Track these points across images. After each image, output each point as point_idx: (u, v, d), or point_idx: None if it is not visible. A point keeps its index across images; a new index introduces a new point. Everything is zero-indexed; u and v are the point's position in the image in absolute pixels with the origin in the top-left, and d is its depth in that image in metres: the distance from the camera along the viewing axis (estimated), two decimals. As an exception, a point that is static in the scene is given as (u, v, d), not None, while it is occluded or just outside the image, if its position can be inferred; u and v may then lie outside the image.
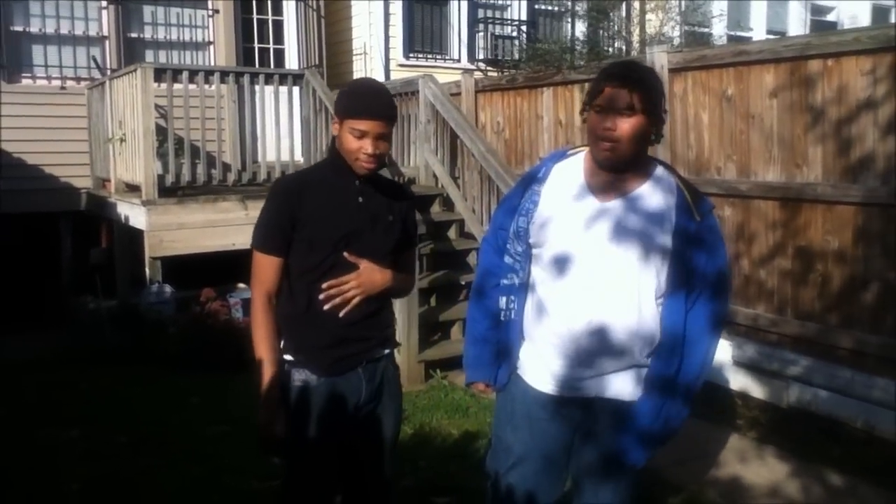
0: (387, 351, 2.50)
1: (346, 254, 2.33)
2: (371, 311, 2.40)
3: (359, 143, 2.29)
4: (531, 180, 2.29)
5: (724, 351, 5.09)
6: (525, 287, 2.28)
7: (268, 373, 2.33)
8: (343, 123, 2.32)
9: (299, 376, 2.37)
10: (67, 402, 5.26)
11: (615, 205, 2.16)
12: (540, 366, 2.25)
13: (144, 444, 4.46)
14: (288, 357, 2.39)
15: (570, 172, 2.25)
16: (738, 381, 5.02)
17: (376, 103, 2.32)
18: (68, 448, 4.40)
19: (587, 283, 2.14)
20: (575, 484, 2.40)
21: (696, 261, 2.15)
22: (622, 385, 2.20)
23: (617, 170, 2.15)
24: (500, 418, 2.41)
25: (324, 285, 2.32)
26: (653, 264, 2.12)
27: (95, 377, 5.81)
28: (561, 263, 2.17)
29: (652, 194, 2.17)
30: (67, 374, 5.96)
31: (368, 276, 2.36)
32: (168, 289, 6.63)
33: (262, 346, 2.35)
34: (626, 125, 2.07)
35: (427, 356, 5.61)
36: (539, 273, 2.25)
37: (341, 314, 2.33)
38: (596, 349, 2.15)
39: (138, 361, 6.08)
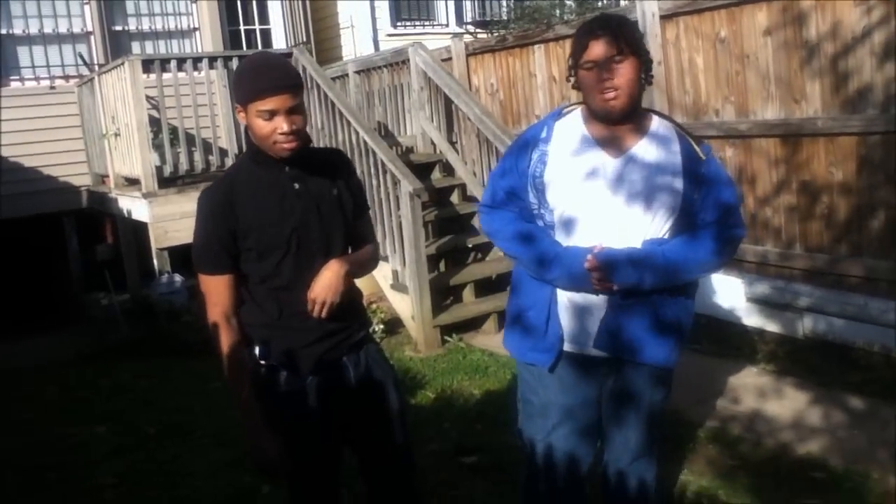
0: (363, 333, 2.37)
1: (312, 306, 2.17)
2: (345, 300, 2.24)
3: (271, 125, 2.06)
4: (535, 141, 2.25)
5: (736, 289, 5.11)
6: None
7: (245, 401, 2.17)
8: (247, 110, 2.09)
9: (283, 379, 2.23)
10: (91, 400, 5.31)
11: (626, 158, 2.16)
12: (569, 331, 2.24)
13: (171, 434, 4.51)
14: (265, 363, 2.22)
15: (573, 129, 2.24)
16: (753, 317, 5.05)
17: (275, 75, 2.07)
18: (98, 444, 4.45)
19: (610, 237, 2.14)
20: (604, 436, 2.42)
21: (706, 201, 2.18)
22: (651, 346, 2.22)
23: (621, 120, 2.15)
24: (527, 382, 2.38)
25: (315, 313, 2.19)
26: (665, 212, 2.15)
27: (115, 372, 5.87)
28: (579, 220, 2.16)
29: (657, 144, 2.19)
30: (87, 371, 6.02)
31: (320, 283, 2.18)
32: (178, 278, 6.67)
33: (232, 371, 2.19)
34: (622, 71, 2.08)
35: (441, 321, 5.65)
36: (559, 230, 2.22)
37: (325, 315, 2.19)
38: (627, 308, 2.17)
39: (156, 353, 6.13)
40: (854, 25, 4.34)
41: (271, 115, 2.06)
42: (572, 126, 2.24)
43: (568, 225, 2.18)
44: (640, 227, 2.14)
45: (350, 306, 2.30)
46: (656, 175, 2.15)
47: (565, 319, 2.22)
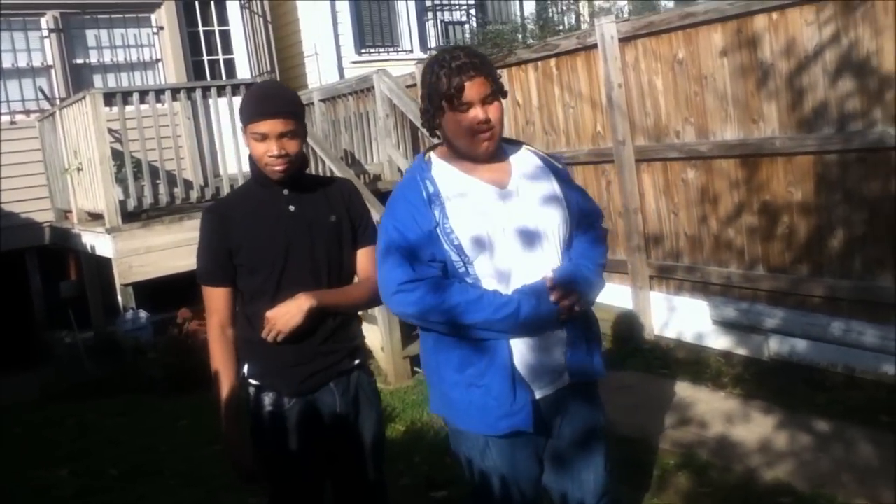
0: (357, 361, 2.42)
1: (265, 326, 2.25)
2: (336, 325, 2.33)
3: (263, 147, 2.21)
4: (427, 197, 2.06)
5: (701, 312, 5.14)
6: None
7: (226, 407, 2.29)
8: (246, 131, 2.25)
9: (269, 400, 2.31)
10: (56, 441, 5.20)
11: (513, 185, 2.10)
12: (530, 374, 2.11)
13: (137, 474, 4.42)
14: (255, 382, 2.33)
15: (449, 175, 2.10)
16: (719, 340, 5.07)
17: (271, 101, 2.23)
18: (61, 487, 4.35)
19: (528, 273, 2.06)
20: (564, 481, 2.23)
21: (579, 203, 2.18)
22: (578, 363, 2.14)
23: (493, 157, 2.11)
24: (492, 456, 2.12)
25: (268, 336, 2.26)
26: (563, 228, 2.12)
27: (81, 412, 5.76)
28: (495, 261, 2.05)
29: (526, 164, 2.17)
30: (52, 411, 5.89)
31: (277, 310, 2.24)
32: (143, 314, 6.57)
33: (221, 379, 2.31)
34: (495, 110, 2.04)
35: (411, 352, 5.61)
36: (484, 283, 2.06)
37: (274, 340, 2.25)
38: (552, 338, 2.09)
39: (122, 390, 6.03)
40: (806, 44, 4.41)
41: (263, 137, 2.20)
42: (445, 172, 2.11)
43: (496, 269, 2.06)
44: (556, 247, 2.11)
45: (341, 333, 2.35)
46: (542, 192, 2.12)
47: (527, 368, 2.08)
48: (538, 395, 2.09)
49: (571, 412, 2.17)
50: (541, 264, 2.07)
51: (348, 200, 2.42)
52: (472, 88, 2.00)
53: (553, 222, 2.10)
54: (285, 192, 2.31)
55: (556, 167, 2.21)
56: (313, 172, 6.34)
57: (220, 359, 2.32)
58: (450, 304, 2.00)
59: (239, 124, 7.19)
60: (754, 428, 4.01)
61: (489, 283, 2.05)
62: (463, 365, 2.07)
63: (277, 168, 2.23)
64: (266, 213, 2.30)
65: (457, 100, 2.00)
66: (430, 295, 2.00)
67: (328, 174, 6.10)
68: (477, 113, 2.01)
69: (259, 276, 2.28)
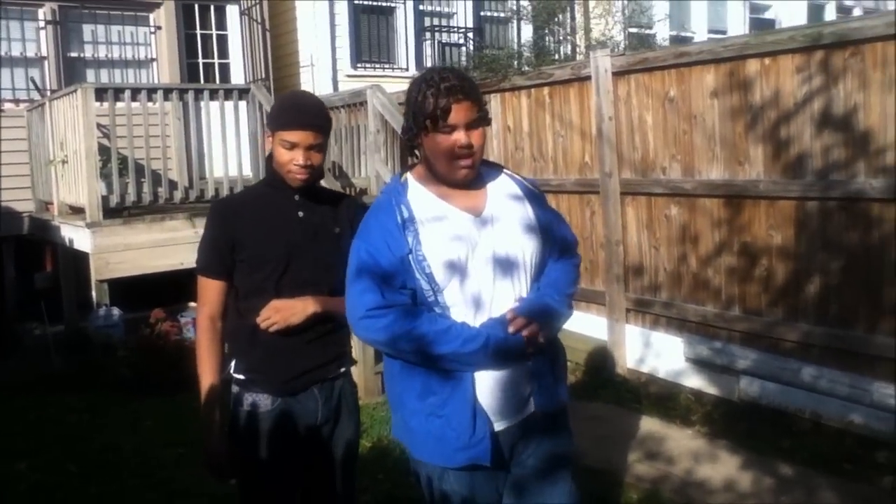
0: (343, 369, 2.45)
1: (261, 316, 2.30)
2: (325, 331, 2.37)
3: (290, 155, 2.28)
4: (402, 222, 2.02)
5: (675, 349, 5.15)
6: None
7: (208, 397, 2.31)
8: (274, 136, 2.30)
9: (251, 398, 2.34)
10: (15, 433, 5.12)
11: (489, 211, 2.08)
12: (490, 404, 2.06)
13: (96, 473, 4.37)
14: (239, 377, 2.36)
15: (424, 199, 2.07)
16: (691, 378, 5.08)
17: (305, 114, 2.30)
18: (16, 482, 4.28)
19: (502, 300, 2.03)
20: (519, 496, 2.18)
21: (554, 230, 2.16)
22: (545, 393, 2.11)
23: (471, 182, 2.08)
24: (452, 491, 2.07)
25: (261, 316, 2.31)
26: (536, 255, 2.10)
27: (44, 405, 5.67)
28: (465, 289, 2.01)
29: (503, 189, 2.15)
30: (14, 403, 5.80)
31: (283, 305, 2.30)
32: (116, 311, 6.50)
33: (203, 370, 2.33)
34: (478, 136, 2.01)
35: (384, 368, 5.57)
36: (450, 306, 2.02)
37: (271, 330, 2.31)
38: (518, 368, 2.05)
39: (88, 387, 5.95)
40: (795, 91, 4.47)
41: (292, 146, 2.27)
42: (420, 196, 2.07)
43: (468, 296, 2.02)
44: (529, 275, 2.08)
45: (330, 338, 2.39)
46: (518, 219, 2.10)
47: (493, 399, 2.04)
48: (503, 425, 2.05)
49: (537, 441, 2.14)
50: (513, 292, 2.05)
51: (353, 218, 2.43)
52: (459, 112, 1.97)
53: (527, 250, 2.08)
54: (296, 197, 2.37)
55: (533, 192, 2.19)
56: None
57: (207, 349, 2.34)
58: (418, 333, 1.95)
59: (228, 129, 7.21)
60: (719, 468, 4.01)
61: (460, 312, 2.01)
62: (425, 393, 2.03)
63: (300, 177, 2.30)
64: (275, 214, 2.36)
65: (441, 121, 1.97)
66: (398, 322, 1.95)
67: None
68: (460, 136, 1.98)
69: (259, 275, 2.33)
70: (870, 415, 4.16)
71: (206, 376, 2.33)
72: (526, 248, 2.07)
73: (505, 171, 2.23)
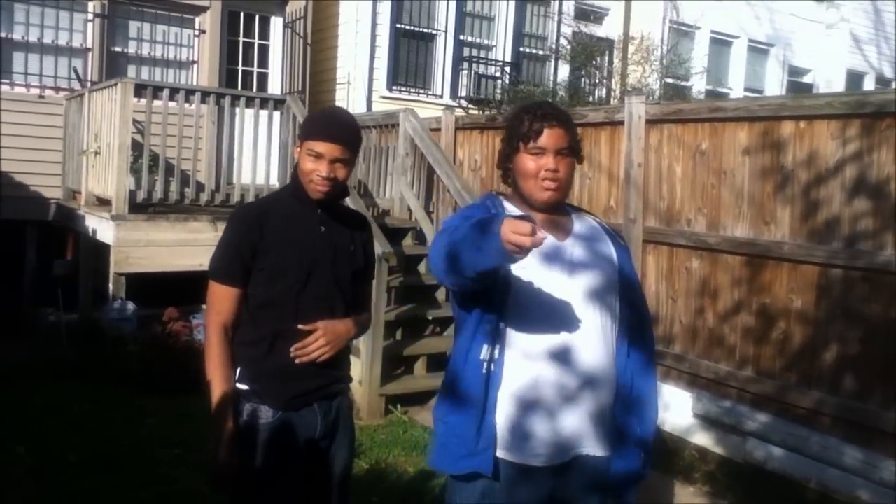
0: (342, 386, 2.47)
1: (300, 326, 2.29)
2: (336, 353, 2.37)
3: (314, 165, 2.28)
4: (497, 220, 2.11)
5: (684, 403, 5.10)
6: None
7: (222, 407, 2.28)
8: (303, 146, 2.31)
9: (254, 409, 2.32)
10: (18, 417, 5.14)
11: (570, 244, 2.13)
12: (512, 437, 2.06)
13: (93, 464, 4.37)
14: (243, 387, 2.33)
15: (515, 213, 2.10)
16: (697, 434, 5.02)
17: (335, 126, 2.30)
18: (13, 465, 4.29)
19: (567, 331, 2.05)
20: None
21: (631, 290, 2.19)
22: (598, 439, 2.11)
23: (552, 210, 2.15)
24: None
25: (292, 349, 2.28)
26: (612, 304, 2.12)
27: (50, 392, 5.69)
28: (534, 314, 2.04)
29: (588, 229, 2.20)
30: (22, 387, 5.83)
31: (332, 330, 2.32)
32: (131, 306, 6.54)
33: (216, 379, 2.30)
34: (565, 165, 2.10)
35: (388, 390, 5.57)
36: (510, 326, 2.06)
37: (306, 361, 2.30)
38: (584, 402, 2.06)
39: (96, 378, 5.97)
40: (829, 157, 4.46)
41: (318, 156, 2.27)
42: (511, 212, 2.13)
43: (530, 312, 2.05)
44: (602, 313, 2.10)
45: (338, 359, 2.40)
46: (602, 259, 2.15)
47: (519, 427, 2.07)
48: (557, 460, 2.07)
49: (588, 481, 2.14)
50: (590, 325, 2.07)
51: (366, 239, 2.54)
52: (550, 137, 2.07)
53: (601, 284, 2.11)
54: (319, 211, 2.37)
55: (619, 242, 2.24)
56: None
57: (219, 358, 2.30)
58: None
59: (261, 136, 7.30)
60: (718, 528, 3.95)
61: (528, 325, 2.04)
62: (445, 399, 2.12)
63: (321, 189, 2.29)
64: (299, 226, 2.35)
65: (532, 142, 2.07)
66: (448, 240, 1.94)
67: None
68: (548, 160, 2.07)
69: (278, 286, 2.31)
70: (877, 492, 4.08)
71: (220, 385, 2.29)
72: (607, 288, 2.12)
73: (593, 216, 2.29)
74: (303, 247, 2.33)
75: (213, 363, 2.30)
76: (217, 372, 2.29)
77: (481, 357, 2.04)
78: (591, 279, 2.10)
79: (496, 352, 2.03)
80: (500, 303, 2.04)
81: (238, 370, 2.34)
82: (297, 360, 2.28)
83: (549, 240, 2.06)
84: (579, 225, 2.20)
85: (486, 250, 1.75)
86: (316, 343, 2.29)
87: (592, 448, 2.10)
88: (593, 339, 2.07)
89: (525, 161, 2.10)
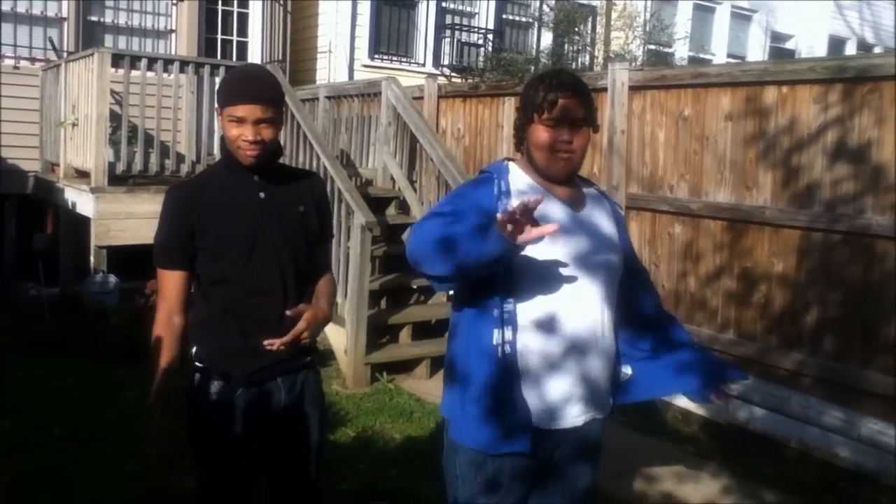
0: (307, 359, 2.38)
1: (288, 312, 2.18)
2: (289, 324, 2.24)
3: (238, 131, 2.14)
4: (495, 195, 2.05)
5: (667, 367, 5.14)
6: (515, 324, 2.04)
7: (155, 398, 2.22)
8: (223, 114, 2.17)
9: (215, 388, 2.24)
10: (1, 391, 5.11)
11: (587, 213, 2.13)
12: (542, 403, 2.05)
13: (78, 438, 4.35)
14: (200, 365, 2.26)
15: (526, 183, 2.11)
16: (681, 397, 5.06)
17: (251, 86, 2.16)
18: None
19: (586, 301, 2.05)
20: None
21: (632, 256, 2.25)
22: (598, 405, 2.13)
23: (567, 181, 2.13)
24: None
25: (276, 343, 2.16)
26: (618, 269, 2.15)
27: (32, 366, 5.66)
28: (554, 281, 2.02)
29: (594, 200, 2.20)
30: (3, 361, 5.79)
31: (313, 316, 2.22)
32: (112, 279, 6.50)
33: (159, 367, 2.22)
34: (581, 137, 2.05)
35: (374, 359, 5.58)
36: (529, 294, 2.02)
37: (280, 347, 2.18)
38: (596, 368, 2.08)
39: (78, 352, 5.94)
40: (811, 122, 4.47)
41: (240, 121, 2.14)
42: (523, 179, 2.12)
43: (546, 283, 2.02)
44: (614, 280, 2.13)
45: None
46: (611, 227, 2.17)
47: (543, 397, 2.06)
48: (567, 425, 2.07)
49: (587, 444, 2.18)
50: (598, 294, 2.07)
51: (318, 198, 2.39)
52: (566, 108, 2.02)
53: (614, 258, 2.13)
54: (256, 178, 2.25)
55: (617, 212, 2.25)
56: (308, 167, 6.34)
57: (163, 346, 2.23)
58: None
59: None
60: (701, 489, 4.01)
61: (535, 297, 2.01)
62: (470, 378, 2.05)
63: (250, 153, 2.17)
64: (235, 197, 2.24)
65: (547, 113, 2.02)
66: (437, 226, 1.92)
67: (321, 170, 6.09)
68: (563, 132, 2.02)
69: (223, 262, 2.21)
70: (856, 449, 4.16)
71: (161, 372, 2.22)
72: (613, 258, 2.13)
73: (596, 187, 2.28)
74: (241, 219, 2.22)
75: (156, 349, 2.23)
76: (159, 357, 2.23)
77: (494, 342, 2.01)
78: (606, 245, 2.12)
79: (507, 333, 2.01)
80: (508, 282, 2.01)
81: (194, 349, 2.26)
82: (272, 348, 2.18)
83: (569, 210, 2.09)
84: (588, 195, 2.20)
85: (490, 245, 1.76)
86: (304, 334, 2.20)
87: (601, 411, 2.14)
88: (603, 306, 2.09)
89: (539, 132, 2.04)
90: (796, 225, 4.52)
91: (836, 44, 14.71)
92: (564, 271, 2.03)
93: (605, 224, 2.16)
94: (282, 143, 2.38)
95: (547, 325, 2.02)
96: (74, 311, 6.52)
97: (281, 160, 2.40)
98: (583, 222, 2.10)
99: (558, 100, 2.01)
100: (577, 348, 2.04)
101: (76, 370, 5.61)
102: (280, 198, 2.28)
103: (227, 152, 2.23)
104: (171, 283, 2.24)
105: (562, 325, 2.03)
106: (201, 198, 2.22)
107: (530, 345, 2.02)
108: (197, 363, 2.26)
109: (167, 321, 2.24)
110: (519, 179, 2.13)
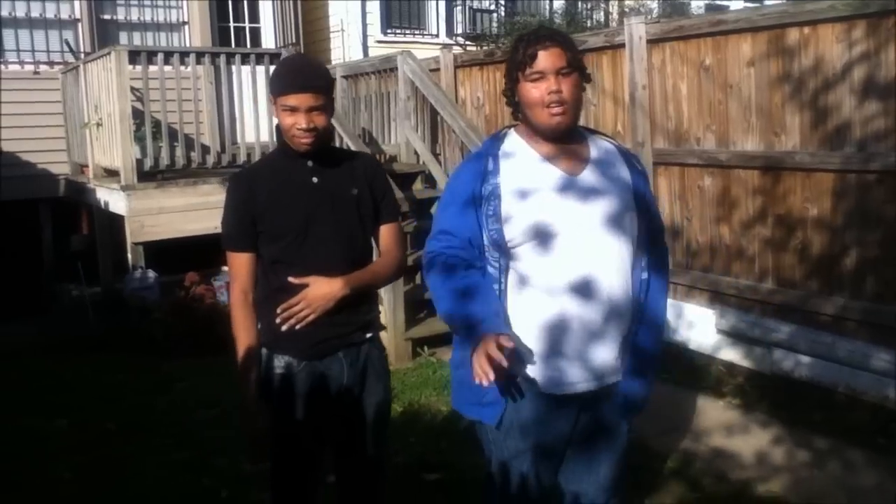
0: (369, 335, 2.46)
1: (291, 279, 2.29)
2: (350, 301, 2.35)
3: (292, 119, 2.26)
4: (482, 175, 2.08)
5: (707, 320, 5.14)
6: (505, 294, 2.09)
7: (243, 367, 2.34)
8: (276, 103, 2.30)
9: (279, 362, 2.37)
10: (53, 391, 5.25)
11: (586, 174, 2.08)
12: (549, 367, 2.07)
13: (132, 431, 4.46)
14: (265, 342, 2.38)
15: (520, 155, 2.11)
16: (723, 350, 5.07)
17: (302, 75, 2.28)
18: (56, 437, 4.40)
19: (588, 263, 2.03)
20: (568, 466, 2.25)
21: (648, 213, 2.16)
22: (623, 365, 2.13)
23: (566, 136, 2.10)
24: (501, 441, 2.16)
25: (278, 310, 2.29)
26: (629, 228, 2.10)
27: (80, 365, 5.80)
28: (552, 250, 2.02)
29: (604, 155, 2.15)
30: (52, 362, 5.94)
31: (317, 291, 2.30)
32: (151, 274, 6.61)
33: (238, 341, 2.35)
34: (569, 84, 2.03)
35: (414, 334, 5.63)
36: (527, 268, 2.05)
37: (298, 327, 2.30)
38: (611, 332, 2.07)
39: (123, 348, 6.07)
40: (836, 61, 4.39)
41: (293, 110, 2.25)
42: (517, 150, 2.12)
43: (544, 255, 2.03)
44: (619, 244, 2.08)
45: (357, 307, 2.39)
46: (618, 187, 2.10)
47: (539, 362, 2.08)
48: (585, 388, 2.08)
49: (597, 414, 2.18)
50: (615, 255, 2.06)
51: (371, 176, 2.47)
52: (547, 58, 2.01)
53: (622, 216, 2.08)
54: (309, 163, 2.36)
55: (635, 165, 2.20)
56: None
57: (242, 324, 2.36)
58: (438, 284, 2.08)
59: (260, 93, 7.24)
60: (751, 440, 4.02)
61: (547, 272, 2.03)
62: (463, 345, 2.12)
63: (304, 141, 2.29)
64: (290, 182, 2.36)
65: (530, 68, 2.01)
66: (435, 275, 2.09)
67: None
68: (550, 82, 2.01)
69: (280, 244, 2.33)
70: (904, 389, 4.13)
71: (241, 345, 2.35)
72: (622, 216, 2.08)
73: (609, 139, 2.24)
74: (296, 203, 2.34)
75: (236, 327, 2.37)
76: (239, 334, 2.36)
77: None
78: (608, 206, 2.06)
79: (505, 301, 2.07)
80: (505, 250, 2.06)
81: (259, 326, 2.38)
82: (283, 327, 2.29)
83: (562, 174, 2.07)
84: (595, 150, 2.15)
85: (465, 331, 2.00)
86: (299, 306, 2.29)
87: (618, 375, 2.13)
88: (613, 269, 2.05)
89: (527, 89, 2.04)
90: (829, 168, 4.46)
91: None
92: (560, 238, 2.02)
93: (617, 180, 2.11)
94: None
95: (545, 290, 2.04)
96: (117, 309, 6.65)
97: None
98: (582, 185, 2.06)
99: (538, 52, 2.01)
100: (578, 312, 2.03)
101: (124, 366, 5.75)
102: (333, 181, 2.39)
103: (282, 140, 2.36)
104: (240, 265, 2.38)
105: (560, 290, 2.03)
106: (259, 184, 2.35)
107: (527, 309, 2.06)
108: (264, 340, 2.38)
109: (243, 299, 2.37)
110: (513, 150, 2.12)
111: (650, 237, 2.17)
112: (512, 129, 2.18)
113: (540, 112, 2.04)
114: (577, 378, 2.07)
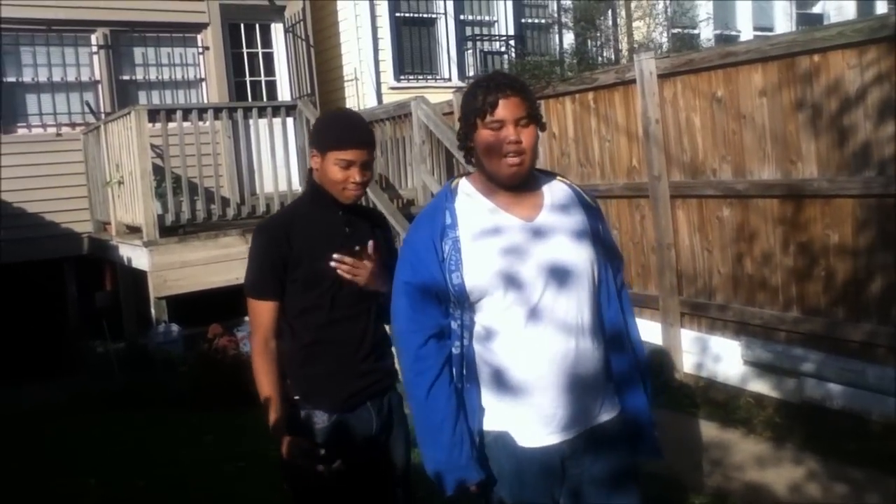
0: (391, 381, 2.49)
1: (335, 256, 2.34)
2: (377, 349, 2.42)
3: (346, 174, 2.32)
4: (440, 229, 2.04)
5: (733, 352, 5.08)
6: (470, 350, 2.05)
7: (275, 413, 2.34)
8: (325, 156, 2.34)
9: (308, 415, 2.37)
10: (82, 450, 5.26)
11: (542, 218, 2.06)
12: (522, 420, 2.02)
13: (162, 487, 4.45)
14: (295, 396, 2.39)
15: (474, 205, 2.07)
16: (751, 381, 5.00)
17: (357, 131, 2.37)
18: (86, 496, 4.39)
19: (554, 308, 1.99)
20: None
21: (606, 250, 2.14)
22: (600, 407, 2.09)
23: (522, 184, 2.07)
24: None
25: (335, 256, 2.34)
26: (591, 266, 2.07)
27: (108, 422, 5.81)
28: (519, 299, 1.98)
29: (559, 197, 2.13)
30: (80, 420, 5.96)
31: (367, 266, 2.39)
32: (175, 328, 6.65)
33: (264, 390, 2.36)
34: (528, 134, 2.01)
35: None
36: (493, 320, 2.01)
37: (341, 270, 2.35)
38: (585, 376, 2.03)
39: (150, 403, 6.08)
40: (849, 86, 4.39)
41: (349, 164, 2.32)
42: (472, 201, 2.08)
43: (511, 305, 1.99)
44: (586, 284, 2.04)
45: (380, 351, 2.44)
46: (576, 228, 2.08)
47: (518, 414, 2.05)
48: (562, 438, 2.03)
49: (594, 455, 2.10)
50: (575, 302, 2.02)
51: (386, 235, 2.61)
52: (507, 107, 1.98)
53: (584, 258, 2.05)
54: (340, 213, 2.42)
55: (589, 203, 2.17)
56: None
57: (263, 369, 2.37)
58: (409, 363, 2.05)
59: (277, 145, 7.30)
60: (784, 473, 3.94)
61: (510, 322, 2.00)
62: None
63: (355, 193, 2.37)
64: (325, 230, 2.40)
65: (489, 115, 1.99)
66: (410, 362, 2.05)
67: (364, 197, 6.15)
68: (509, 131, 1.98)
69: (316, 291, 2.36)
70: (939, 415, 4.04)
71: (268, 396, 2.35)
72: (583, 257, 2.04)
73: (561, 179, 2.21)
74: (334, 250, 2.37)
75: (260, 377, 2.37)
76: (263, 386, 2.36)
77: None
78: (567, 248, 2.04)
79: (464, 373, 2.05)
80: (470, 308, 2.04)
81: (289, 381, 2.39)
82: (332, 264, 2.34)
83: (520, 221, 2.04)
84: (550, 194, 2.12)
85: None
86: (356, 267, 2.35)
87: (604, 415, 2.10)
88: (580, 310, 2.02)
89: (485, 137, 2.00)
90: (849, 193, 4.43)
91: (866, 2, 14.37)
92: (535, 286, 1.99)
93: (573, 219, 2.09)
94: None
95: (512, 340, 2.00)
96: (142, 363, 6.68)
97: None
98: (541, 230, 2.04)
99: (498, 100, 1.98)
100: (548, 358, 1.99)
101: (151, 421, 5.75)
102: (361, 232, 2.46)
103: (316, 188, 2.41)
104: (263, 313, 2.38)
105: (527, 338, 1.99)
106: (293, 232, 2.37)
107: (489, 362, 2.03)
108: (294, 396, 2.39)
109: (264, 347, 2.37)
110: (468, 202, 2.08)
111: (612, 270, 2.16)
112: (464, 179, 2.14)
113: (497, 162, 2.01)
114: (555, 428, 2.02)
